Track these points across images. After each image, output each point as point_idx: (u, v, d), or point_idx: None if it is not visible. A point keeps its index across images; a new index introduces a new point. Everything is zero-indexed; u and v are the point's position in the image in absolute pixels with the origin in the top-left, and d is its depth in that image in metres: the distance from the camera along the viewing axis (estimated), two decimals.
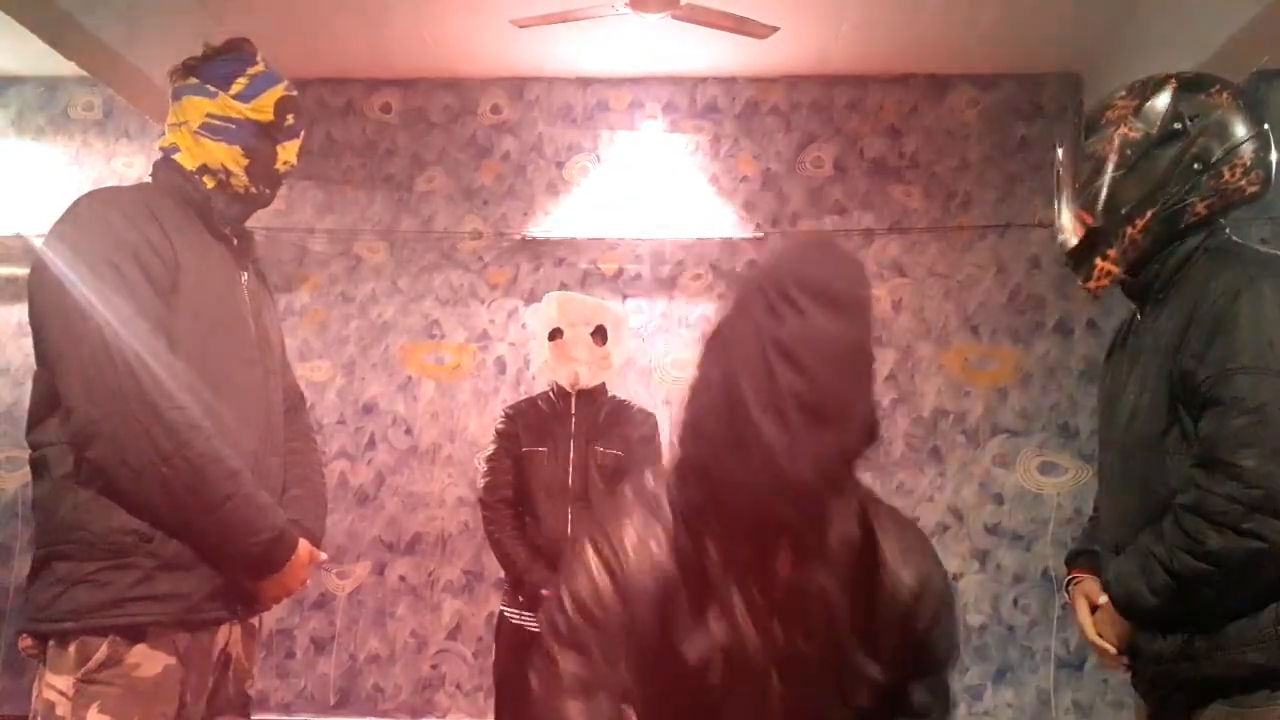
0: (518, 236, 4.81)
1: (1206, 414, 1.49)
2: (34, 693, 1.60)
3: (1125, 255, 1.67)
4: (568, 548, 1.43)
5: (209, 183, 1.80)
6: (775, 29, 3.83)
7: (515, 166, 4.89)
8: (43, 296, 1.64)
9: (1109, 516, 1.72)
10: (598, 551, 1.23)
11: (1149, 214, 1.63)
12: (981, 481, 4.57)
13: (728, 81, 4.88)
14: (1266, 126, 1.65)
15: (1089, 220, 1.68)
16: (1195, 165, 1.61)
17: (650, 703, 1.26)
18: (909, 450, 4.61)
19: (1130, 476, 1.64)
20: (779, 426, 1.02)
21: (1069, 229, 1.72)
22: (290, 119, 1.85)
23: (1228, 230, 1.66)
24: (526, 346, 4.66)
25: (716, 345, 1.11)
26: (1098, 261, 1.69)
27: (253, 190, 1.84)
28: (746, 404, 1.03)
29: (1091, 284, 1.72)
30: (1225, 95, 1.65)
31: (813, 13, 4.25)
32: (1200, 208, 1.62)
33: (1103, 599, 1.66)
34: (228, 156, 1.80)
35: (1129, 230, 1.65)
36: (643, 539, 1.22)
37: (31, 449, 1.67)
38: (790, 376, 1.03)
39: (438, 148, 4.92)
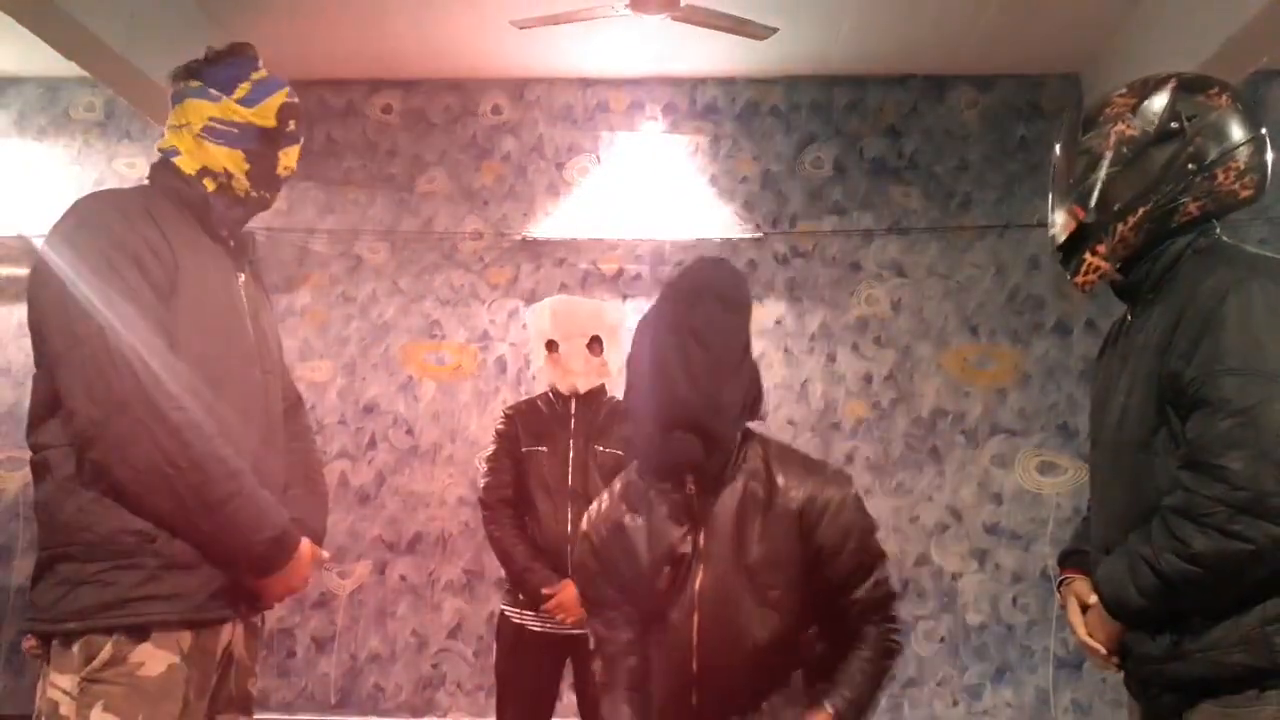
0: (518, 237, 4.82)
1: (1194, 415, 1.49)
2: (38, 692, 1.61)
3: (1115, 252, 1.67)
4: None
5: (209, 185, 1.81)
6: (775, 30, 3.84)
7: (516, 167, 4.90)
8: (44, 298, 1.65)
9: (1098, 516, 1.73)
10: (585, 532, 1.83)
11: (1141, 212, 1.63)
12: (980, 481, 4.58)
13: (727, 82, 4.89)
14: (1264, 130, 1.64)
15: (1081, 215, 1.68)
16: (1190, 166, 1.61)
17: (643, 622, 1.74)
18: (908, 450, 4.62)
19: (1119, 477, 1.65)
20: (690, 382, 1.60)
21: (1060, 223, 1.72)
22: (292, 125, 1.87)
23: (1218, 230, 1.66)
24: (527, 347, 4.67)
25: (648, 330, 1.69)
26: (1087, 256, 1.69)
27: (253, 194, 1.85)
28: (670, 367, 1.61)
29: (1080, 279, 1.72)
30: (1225, 97, 1.64)
31: (813, 13, 4.25)
32: (1192, 208, 1.62)
33: (1093, 599, 1.66)
34: (229, 160, 1.80)
35: (1120, 227, 1.65)
36: (612, 502, 1.81)
37: (33, 451, 1.68)
38: (698, 349, 1.61)
39: (438, 148, 4.92)
